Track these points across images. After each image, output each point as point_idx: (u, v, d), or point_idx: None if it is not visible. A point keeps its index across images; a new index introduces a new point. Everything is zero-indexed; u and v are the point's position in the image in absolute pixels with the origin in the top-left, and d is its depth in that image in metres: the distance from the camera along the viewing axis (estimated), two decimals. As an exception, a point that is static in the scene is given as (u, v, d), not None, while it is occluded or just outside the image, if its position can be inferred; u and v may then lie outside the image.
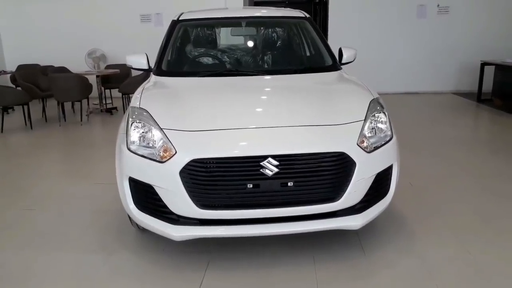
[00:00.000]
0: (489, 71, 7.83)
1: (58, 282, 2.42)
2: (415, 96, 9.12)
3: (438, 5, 8.98)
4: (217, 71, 3.47)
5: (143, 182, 2.38)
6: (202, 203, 2.28)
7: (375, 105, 2.65)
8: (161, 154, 2.32)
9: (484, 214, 3.15)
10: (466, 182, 3.84)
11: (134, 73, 7.71)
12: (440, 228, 2.93)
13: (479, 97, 8.00)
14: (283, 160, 2.25)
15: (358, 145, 2.37)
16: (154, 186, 2.34)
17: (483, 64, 7.93)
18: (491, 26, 8.93)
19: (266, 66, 3.70)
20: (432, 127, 6.16)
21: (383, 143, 2.51)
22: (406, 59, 9.28)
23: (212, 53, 3.83)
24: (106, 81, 8.09)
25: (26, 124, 6.72)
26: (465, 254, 2.60)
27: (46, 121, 7.12)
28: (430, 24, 9.07)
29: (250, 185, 2.26)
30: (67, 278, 2.45)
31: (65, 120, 7.08)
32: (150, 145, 2.39)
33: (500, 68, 7.55)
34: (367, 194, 2.45)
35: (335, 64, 3.43)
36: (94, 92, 7.56)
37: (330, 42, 3.70)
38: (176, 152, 2.29)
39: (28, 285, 2.40)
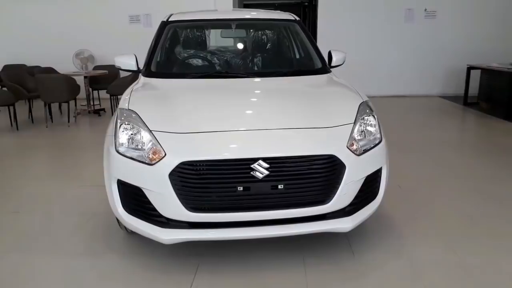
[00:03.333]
0: (475, 75, 7.94)
1: (45, 287, 2.37)
2: (403, 99, 9.21)
3: (425, 9, 9.09)
4: (207, 72, 3.46)
5: (132, 185, 2.36)
6: (192, 206, 2.26)
7: (364, 108, 2.67)
8: (150, 156, 2.30)
9: (472, 216, 3.19)
10: (454, 184, 3.88)
11: (123, 74, 7.66)
12: (429, 230, 2.96)
13: (465, 100, 8.11)
14: (274, 162, 2.24)
15: (348, 148, 2.38)
16: (143, 189, 2.32)
17: (469, 68, 8.04)
18: (477, 31, 9.07)
19: (256, 68, 3.70)
20: (420, 130, 6.22)
21: (372, 146, 2.53)
22: (394, 63, 9.38)
23: (201, 55, 3.82)
24: (94, 82, 8.00)
25: (11, 125, 6.60)
26: (453, 255, 2.63)
27: (32, 122, 7.01)
28: (417, 28, 9.18)
29: (240, 188, 2.25)
30: (54, 282, 2.41)
31: (52, 121, 6.98)
32: (139, 147, 2.37)
33: (486, 72, 7.66)
34: (356, 197, 2.46)
35: (325, 67, 3.45)
36: (82, 93, 7.49)
37: (319, 45, 3.72)
38: (165, 155, 2.27)
39: (13, 289, 2.36)
